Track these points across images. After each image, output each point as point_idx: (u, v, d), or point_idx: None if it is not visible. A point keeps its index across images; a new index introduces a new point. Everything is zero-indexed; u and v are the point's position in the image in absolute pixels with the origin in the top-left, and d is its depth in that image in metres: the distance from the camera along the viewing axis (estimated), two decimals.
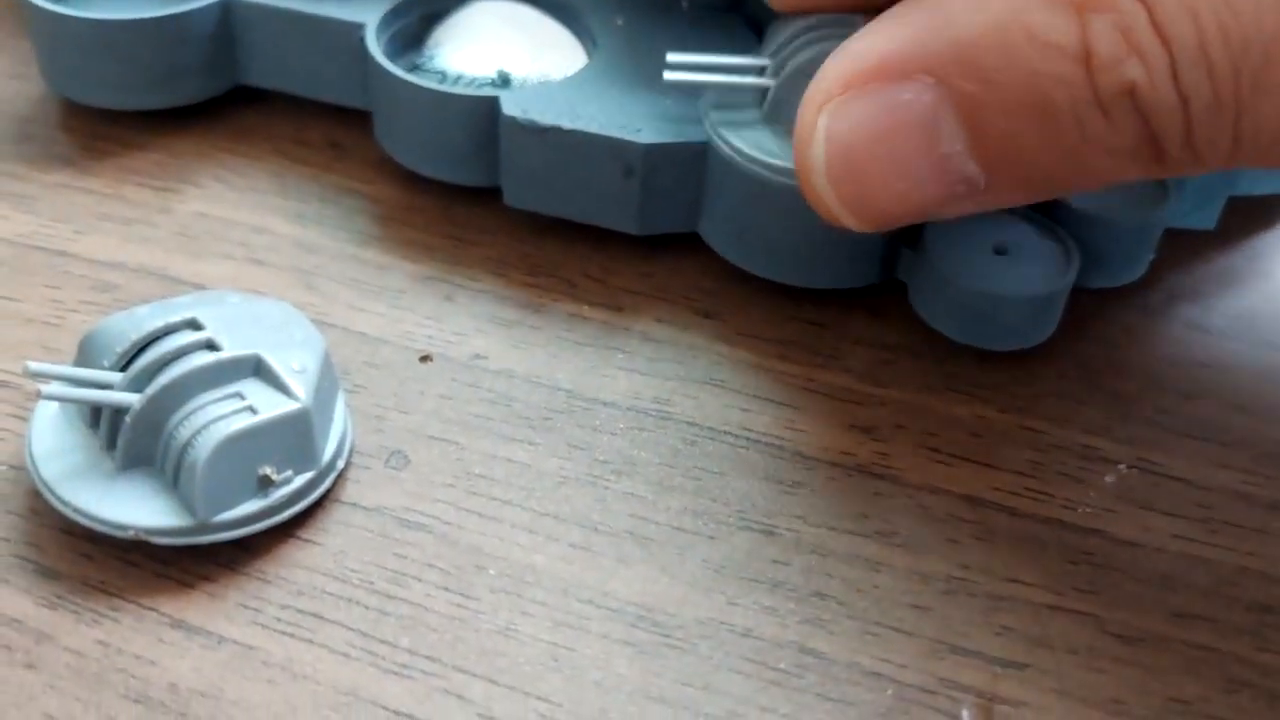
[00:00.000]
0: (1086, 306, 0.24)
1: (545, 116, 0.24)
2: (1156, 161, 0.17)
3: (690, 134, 0.23)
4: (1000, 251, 0.23)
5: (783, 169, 0.22)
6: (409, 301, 0.24)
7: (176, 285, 0.24)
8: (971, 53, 0.17)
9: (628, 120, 0.24)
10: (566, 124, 0.23)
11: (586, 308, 0.24)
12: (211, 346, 0.19)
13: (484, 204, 0.25)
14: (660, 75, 0.23)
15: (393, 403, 0.22)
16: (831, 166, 0.19)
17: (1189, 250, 0.26)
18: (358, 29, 0.26)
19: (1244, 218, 0.27)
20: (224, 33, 0.27)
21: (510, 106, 0.24)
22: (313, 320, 0.21)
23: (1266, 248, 0.26)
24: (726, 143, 0.23)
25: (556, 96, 0.24)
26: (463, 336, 0.23)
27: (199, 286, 0.24)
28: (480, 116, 0.24)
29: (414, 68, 0.26)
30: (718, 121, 0.23)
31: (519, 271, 0.25)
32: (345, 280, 0.24)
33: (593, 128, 0.23)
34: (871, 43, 0.18)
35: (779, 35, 0.23)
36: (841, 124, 0.18)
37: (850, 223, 0.19)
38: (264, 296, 0.21)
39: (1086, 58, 0.16)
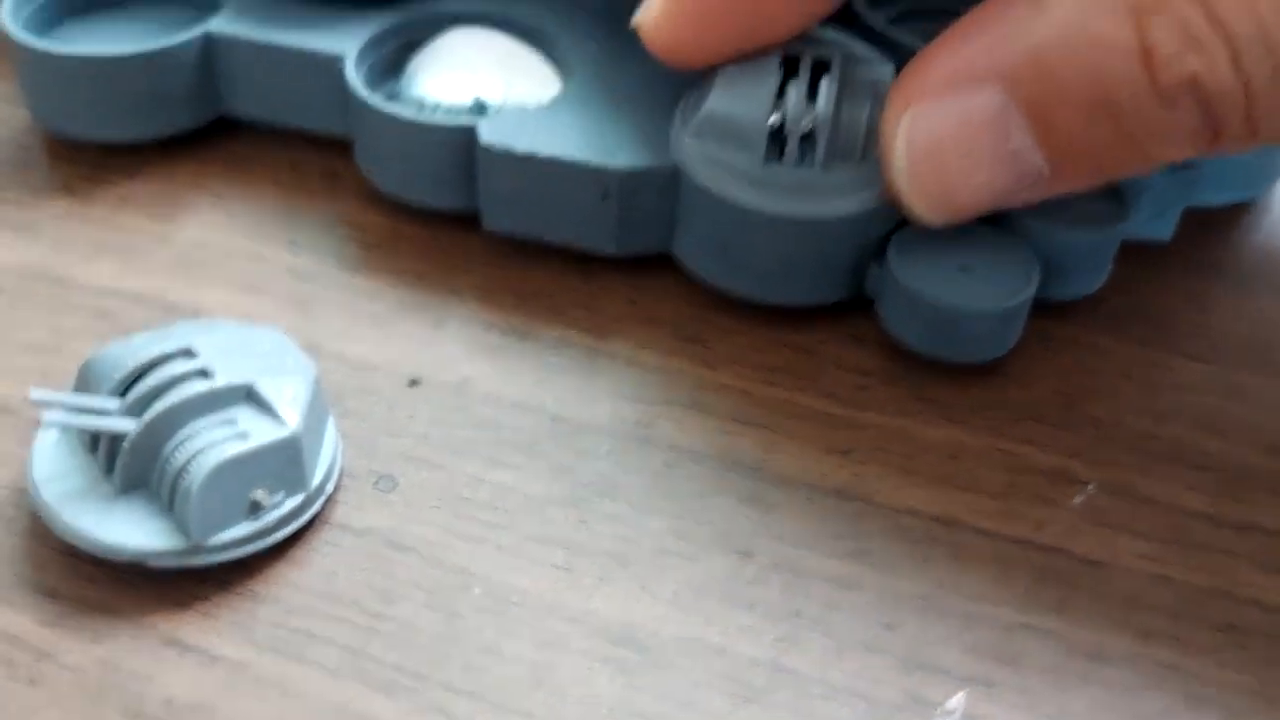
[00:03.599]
0: (1056, 324, 0.25)
1: (521, 144, 0.24)
2: (1213, 142, 0.19)
3: (665, 158, 0.24)
4: (964, 268, 0.23)
5: (750, 194, 0.23)
6: (399, 328, 0.24)
7: (173, 312, 0.24)
8: (1037, 59, 0.20)
9: (603, 145, 0.24)
10: (542, 151, 0.24)
11: (573, 333, 0.24)
12: (205, 374, 0.20)
13: (472, 231, 0.26)
14: (637, 98, 0.24)
15: (382, 427, 0.22)
16: (913, 168, 0.21)
17: (1148, 264, 0.26)
18: (337, 61, 0.26)
19: (1199, 227, 0.27)
20: (206, 65, 0.27)
21: (487, 135, 0.24)
22: (305, 347, 0.22)
23: (1222, 260, 0.27)
24: (694, 168, 0.23)
25: (532, 123, 0.25)
26: (451, 361, 0.24)
27: (195, 313, 0.24)
28: (458, 144, 0.25)
29: (392, 96, 0.27)
30: (687, 146, 0.23)
31: (507, 297, 0.25)
32: (337, 307, 0.25)
33: (568, 153, 0.24)
34: (942, 54, 0.21)
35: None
36: (920, 129, 0.21)
37: (930, 217, 0.22)
38: (257, 324, 0.22)
39: (1147, 56, 0.19)
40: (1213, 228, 0.28)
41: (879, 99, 0.23)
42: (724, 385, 0.23)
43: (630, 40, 0.27)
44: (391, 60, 0.28)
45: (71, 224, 0.27)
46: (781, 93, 0.23)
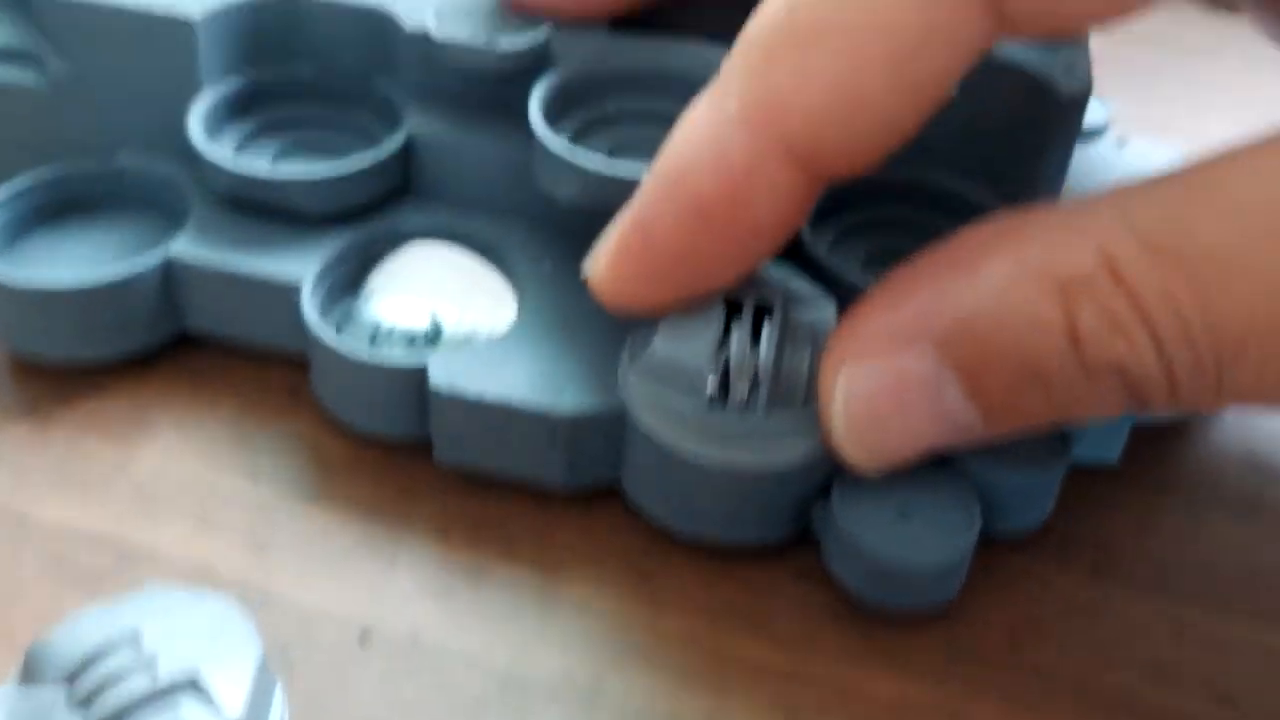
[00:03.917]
0: (1002, 556, 0.25)
1: (471, 387, 0.25)
2: (1140, 409, 0.20)
3: (613, 397, 0.24)
4: (904, 514, 0.23)
5: (693, 441, 0.23)
6: (352, 569, 0.25)
7: (129, 559, 0.25)
8: (967, 325, 0.20)
9: (551, 384, 0.25)
10: (491, 395, 0.24)
11: (525, 573, 0.25)
12: (150, 666, 0.20)
13: (430, 454, 0.26)
14: (590, 322, 0.25)
15: (331, 689, 0.22)
16: (849, 422, 0.22)
17: (1093, 488, 0.27)
18: (294, 289, 0.27)
19: (1147, 444, 0.27)
20: (168, 288, 0.28)
21: (438, 377, 0.25)
22: (257, 593, 0.22)
23: (1172, 479, 0.27)
24: (639, 412, 0.24)
25: (482, 362, 0.25)
26: (403, 606, 0.24)
27: (152, 557, 0.25)
28: (409, 383, 0.25)
29: (350, 316, 0.27)
30: (633, 386, 0.24)
31: (461, 530, 0.25)
32: (292, 545, 0.25)
33: (516, 396, 0.24)
34: (876, 312, 0.21)
35: None
36: (856, 387, 0.21)
37: (867, 467, 0.22)
38: (206, 596, 0.22)
39: (1074, 335, 0.19)
40: (1160, 443, 0.28)
41: (820, 344, 0.23)
42: (673, 633, 0.24)
43: (582, 260, 0.27)
44: (352, 275, 0.28)
45: (33, 451, 0.27)
46: (726, 334, 0.24)
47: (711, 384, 0.23)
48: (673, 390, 0.24)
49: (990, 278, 0.20)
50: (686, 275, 0.23)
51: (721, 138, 0.21)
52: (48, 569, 0.24)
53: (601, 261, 0.23)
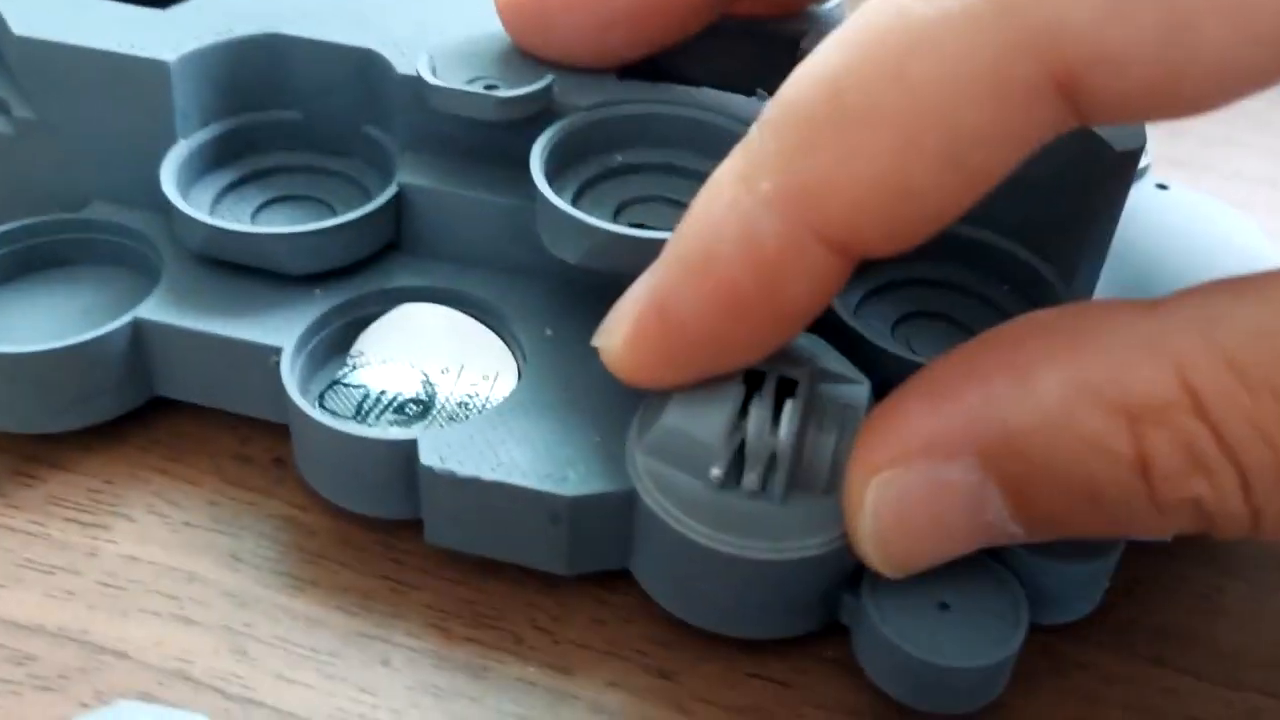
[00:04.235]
0: (1058, 640, 0.23)
1: (465, 466, 0.22)
2: (1210, 533, 0.18)
3: (620, 476, 0.22)
4: (945, 606, 0.21)
5: (703, 527, 0.21)
6: (342, 668, 0.22)
7: (97, 655, 0.23)
8: (1020, 443, 0.18)
9: (554, 464, 0.23)
10: (487, 475, 0.22)
11: (533, 669, 0.23)
12: None
13: (422, 533, 0.24)
14: (594, 394, 0.23)
15: None
16: (879, 534, 0.20)
17: (1149, 568, 0.25)
18: (273, 352, 0.25)
19: None
20: (137, 351, 0.26)
21: (428, 455, 0.23)
22: (236, 699, 0.21)
23: (1235, 557, 0.25)
24: (647, 492, 0.22)
25: (477, 438, 0.23)
26: (398, 713, 0.22)
27: (121, 654, 0.23)
28: (398, 459, 0.23)
29: (334, 382, 0.25)
30: (640, 464, 0.22)
31: (460, 623, 0.23)
32: (275, 641, 0.23)
33: (515, 478, 0.22)
34: (917, 418, 0.19)
35: None
36: (889, 496, 0.19)
37: (893, 574, 0.20)
38: (179, 713, 0.20)
39: (1144, 467, 0.17)
40: None
41: (849, 428, 0.21)
42: None
43: (585, 323, 0.25)
44: (338, 339, 0.26)
45: None
46: (745, 410, 0.21)
47: (722, 464, 0.21)
48: (682, 468, 0.21)
49: (1046, 392, 0.18)
50: (709, 359, 0.21)
51: (752, 220, 0.19)
52: (9, 668, 0.22)
53: (616, 339, 0.21)
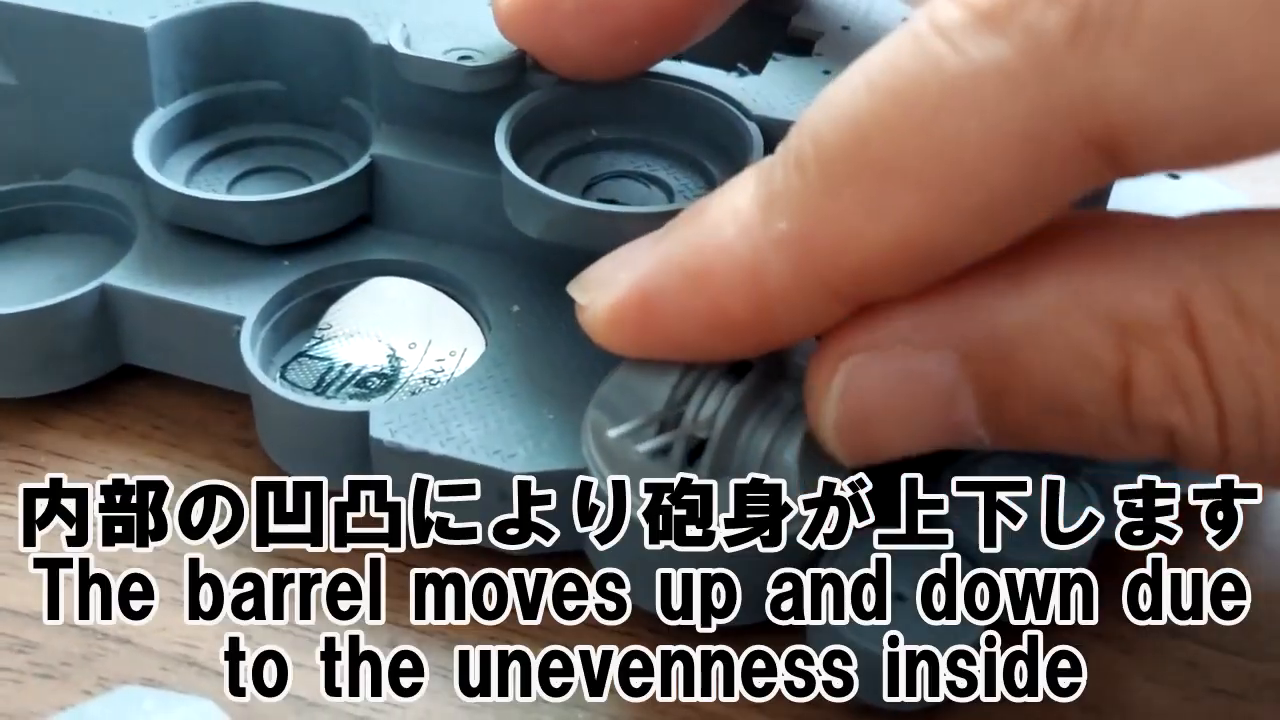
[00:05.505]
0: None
1: (414, 439, 0.22)
2: (1175, 463, 0.18)
3: (573, 459, 0.22)
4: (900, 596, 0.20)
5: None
6: None
7: (100, 641, 0.22)
8: (1005, 344, 0.17)
9: (504, 440, 0.22)
10: (435, 449, 0.22)
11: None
12: None
13: None
14: (550, 376, 0.22)
15: None
16: (843, 415, 0.19)
17: None
18: (235, 322, 0.24)
19: None
20: (104, 317, 0.25)
21: (378, 427, 0.22)
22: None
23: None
24: (588, 449, 0.21)
25: (430, 412, 0.23)
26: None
27: (124, 640, 0.22)
28: (351, 432, 0.23)
29: (299, 354, 0.25)
30: (589, 425, 0.21)
31: None
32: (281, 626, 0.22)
33: (463, 453, 0.22)
34: (901, 306, 0.18)
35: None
36: (858, 381, 0.19)
37: (843, 459, 0.20)
38: (184, 698, 0.19)
39: (1125, 386, 0.17)
40: None
41: (794, 430, 0.20)
42: None
43: (553, 300, 0.24)
44: (307, 311, 0.26)
45: None
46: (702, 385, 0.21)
47: (630, 429, 0.20)
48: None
49: (1040, 297, 0.17)
50: (683, 354, 0.20)
51: (761, 257, 0.18)
52: (10, 657, 0.22)
53: (598, 304, 0.20)
